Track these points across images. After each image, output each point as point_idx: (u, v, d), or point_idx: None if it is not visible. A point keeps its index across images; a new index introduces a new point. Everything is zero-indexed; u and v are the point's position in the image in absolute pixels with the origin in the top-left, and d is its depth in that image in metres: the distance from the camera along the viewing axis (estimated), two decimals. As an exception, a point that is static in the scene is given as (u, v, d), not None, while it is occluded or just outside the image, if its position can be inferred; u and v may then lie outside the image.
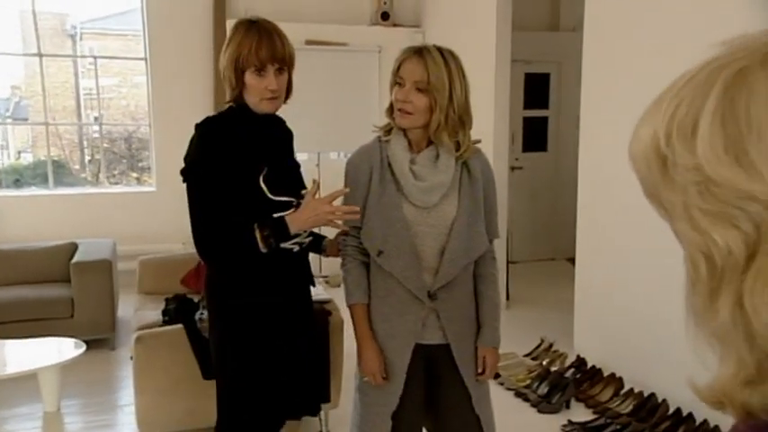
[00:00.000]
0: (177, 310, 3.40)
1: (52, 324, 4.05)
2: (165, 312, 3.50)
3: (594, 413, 3.37)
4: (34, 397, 3.48)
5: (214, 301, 1.96)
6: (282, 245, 1.84)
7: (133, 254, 5.30)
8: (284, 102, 1.95)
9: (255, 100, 1.87)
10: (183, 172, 1.85)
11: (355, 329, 1.93)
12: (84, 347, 3.52)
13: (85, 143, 9.03)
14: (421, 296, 1.85)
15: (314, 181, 1.93)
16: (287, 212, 1.83)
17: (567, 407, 3.47)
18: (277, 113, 1.98)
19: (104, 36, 9.47)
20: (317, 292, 3.22)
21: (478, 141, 1.92)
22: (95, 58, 6.15)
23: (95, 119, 9.59)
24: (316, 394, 2.15)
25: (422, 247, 1.85)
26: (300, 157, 7.44)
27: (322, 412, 3.17)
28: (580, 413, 3.40)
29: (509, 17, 5.24)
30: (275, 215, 1.82)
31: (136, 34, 7.59)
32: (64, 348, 3.54)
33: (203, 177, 1.81)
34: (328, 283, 5.36)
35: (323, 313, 2.99)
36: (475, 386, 1.92)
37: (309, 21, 6.06)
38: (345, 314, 2.94)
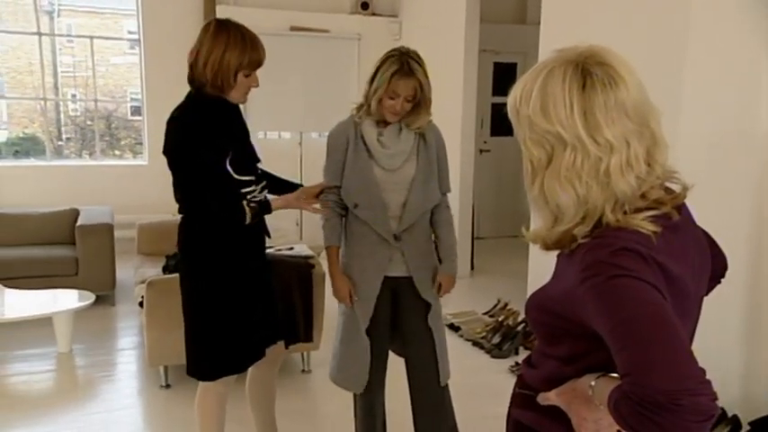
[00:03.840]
0: (177, 264, 3.86)
1: (58, 280, 4.47)
2: (165, 267, 3.97)
3: (538, 358, 3.92)
4: (47, 340, 3.93)
5: (195, 257, 2.28)
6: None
7: (126, 222, 5.73)
8: None
9: (240, 95, 2.18)
10: (175, 155, 2.13)
11: (329, 265, 2.43)
12: (93, 297, 3.98)
13: (63, 120, 9.19)
14: (388, 238, 2.34)
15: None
16: (251, 188, 2.23)
17: (516, 353, 4.02)
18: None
19: (77, 13, 9.60)
20: (302, 249, 3.71)
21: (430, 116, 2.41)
22: (92, 38, 6.47)
23: (73, 96, 9.74)
24: (284, 330, 2.51)
25: (388, 200, 2.34)
26: (284, 135, 7.89)
27: (304, 353, 3.66)
28: (526, 358, 3.94)
29: (477, 10, 5.71)
30: (257, 198, 2.23)
31: (114, 13, 7.85)
32: (75, 298, 3.99)
33: (203, 160, 2.11)
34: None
35: (307, 267, 3.46)
36: (431, 304, 2.40)
37: (294, 8, 6.49)
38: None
